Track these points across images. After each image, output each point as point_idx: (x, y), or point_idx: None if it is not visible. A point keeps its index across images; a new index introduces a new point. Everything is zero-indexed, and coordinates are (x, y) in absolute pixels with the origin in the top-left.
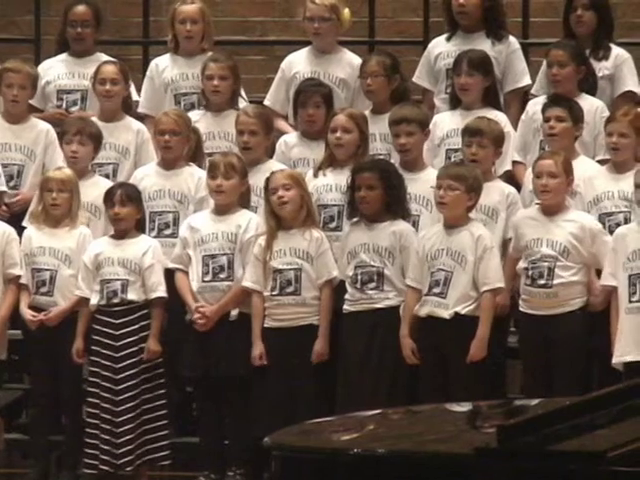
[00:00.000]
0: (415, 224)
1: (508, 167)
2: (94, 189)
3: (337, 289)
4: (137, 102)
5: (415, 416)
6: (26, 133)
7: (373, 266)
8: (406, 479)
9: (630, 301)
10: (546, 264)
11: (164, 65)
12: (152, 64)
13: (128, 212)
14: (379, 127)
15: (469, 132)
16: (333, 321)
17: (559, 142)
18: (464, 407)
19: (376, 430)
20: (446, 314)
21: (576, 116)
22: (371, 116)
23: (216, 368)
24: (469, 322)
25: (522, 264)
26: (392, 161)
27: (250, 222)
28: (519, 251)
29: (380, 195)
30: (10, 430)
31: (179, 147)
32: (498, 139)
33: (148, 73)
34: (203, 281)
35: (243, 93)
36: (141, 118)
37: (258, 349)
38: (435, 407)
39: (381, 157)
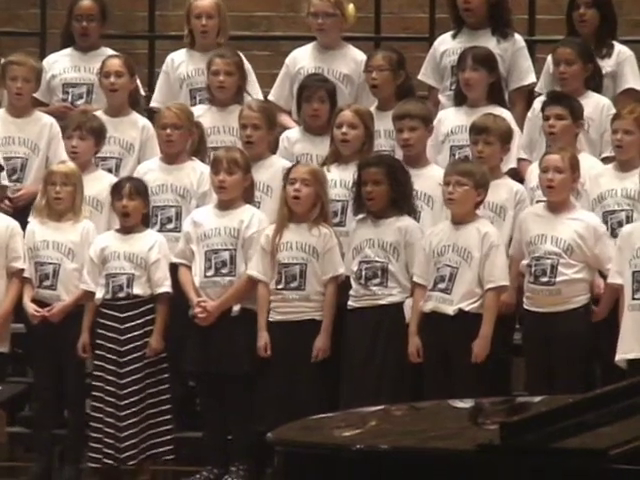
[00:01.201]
0: (416, 220)
1: (513, 165)
2: (97, 183)
3: (342, 285)
4: (143, 96)
5: (418, 412)
6: (30, 127)
7: (377, 262)
8: (409, 476)
9: (633, 298)
10: (549, 261)
11: (180, 60)
12: (168, 59)
13: (135, 206)
14: (384, 124)
15: (475, 130)
16: (337, 317)
17: (560, 140)
18: (467, 404)
19: (379, 426)
20: (450, 310)
21: (576, 113)
22: (376, 112)
23: (217, 364)
24: (472, 319)
25: (525, 261)
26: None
27: (253, 218)
28: (522, 251)
29: (386, 190)
30: (13, 423)
31: (181, 141)
32: (505, 136)
33: (164, 67)
34: (205, 276)
35: (258, 89)
36: (152, 113)
37: (263, 340)
38: (438, 404)
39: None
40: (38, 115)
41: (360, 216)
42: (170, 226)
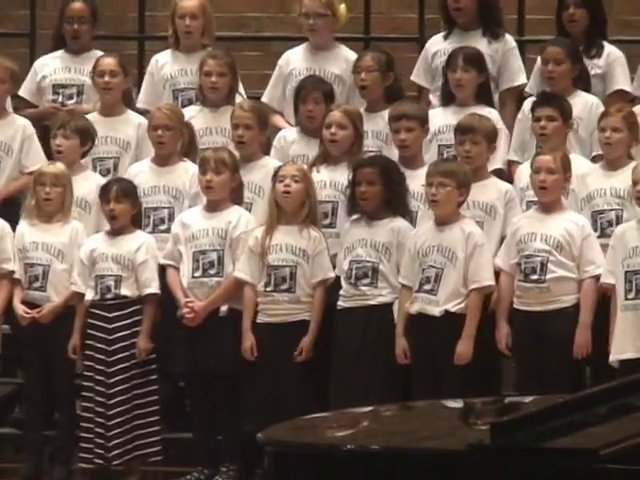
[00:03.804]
0: (413, 220)
1: (498, 165)
2: (85, 184)
3: (332, 284)
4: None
5: (409, 413)
6: (4, 129)
7: (368, 261)
8: (400, 476)
9: (626, 298)
10: (539, 259)
11: (164, 61)
12: (152, 60)
13: (123, 208)
14: (372, 125)
15: (461, 130)
16: (326, 317)
17: (551, 141)
18: (458, 404)
19: (370, 426)
20: (436, 311)
21: (566, 114)
22: (364, 114)
23: (204, 365)
24: (458, 320)
25: (515, 259)
26: None
27: (240, 218)
28: (512, 267)
29: (380, 191)
30: (3, 424)
31: (172, 142)
32: (491, 135)
33: (148, 69)
34: (193, 277)
35: (242, 90)
36: (143, 113)
37: (249, 341)
38: (429, 404)
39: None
40: (13, 117)
41: (354, 217)
42: (163, 227)
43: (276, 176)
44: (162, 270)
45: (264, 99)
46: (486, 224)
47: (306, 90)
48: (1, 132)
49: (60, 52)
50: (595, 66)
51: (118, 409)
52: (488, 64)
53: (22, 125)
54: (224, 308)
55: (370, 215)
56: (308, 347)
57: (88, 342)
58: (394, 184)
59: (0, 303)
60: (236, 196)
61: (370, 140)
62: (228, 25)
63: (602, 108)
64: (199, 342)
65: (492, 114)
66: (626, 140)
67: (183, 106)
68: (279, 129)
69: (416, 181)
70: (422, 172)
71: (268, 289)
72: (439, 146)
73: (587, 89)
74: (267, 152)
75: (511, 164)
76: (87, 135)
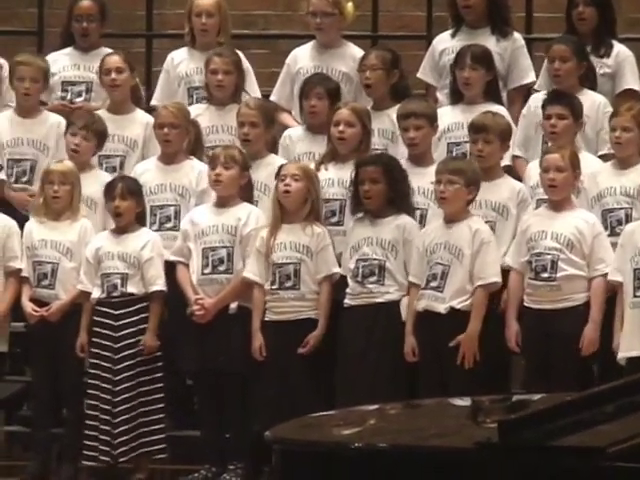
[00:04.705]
0: (423, 218)
1: (507, 162)
2: (94, 182)
3: (338, 282)
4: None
5: (416, 410)
6: (37, 127)
7: (375, 259)
8: (407, 473)
9: (635, 295)
10: (550, 257)
11: (180, 59)
12: (168, 57)
13: (128, 206)
14: (378, 123)
15: (474, 128)
16: (333, 314)
17: (561, 139)
18: (465, 402)
19: (377, 424)
20: (442, 308)
21: (577, 112)
22: (371, 112)
23: (214, 362)
24: (464, 317)
25: (526, 257)
26: None
27: (250, 215)
28: (522, 265)
29: (383, 189)
30: (11, 422)
31: (178, 140)
32: (504, 133)
33: (164, 66)
34: (203, 274)
35: (257, 88)
36: (151, 111)
37: (258, 342)
38: (436, 401)
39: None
40: (46, 115)
41: (358, 215)
42: (169, 225)
43: (279, 175)
44: (169, 267)
45: (273, 98)
46: (498, 224)
47: (309, 86)
48: (36, 131)
49: (69, 49)
50: (604, 65)
51: (123, 406)
52: (497, 62)
53: (56, 122)
54: (234, 305)
55: (374, 213)
56: (315, 341)
57: (94, 340)
58: (397, 182)
59: (8, 301)
60: (246, 194)
61: (376, 138)
62: (235, 23)
63: (609, 107)
64: (209, 339)
65: (500, 112)
66: (636, 139)
67: (198, 103)
68: (287, 127)
69: (426, 179)
70: (431, 170)
71: (274, 287)
72: (448, 144)
73: (593, 87)
74: (273, 150)
75: (515, 159)
76: (103, 138)
